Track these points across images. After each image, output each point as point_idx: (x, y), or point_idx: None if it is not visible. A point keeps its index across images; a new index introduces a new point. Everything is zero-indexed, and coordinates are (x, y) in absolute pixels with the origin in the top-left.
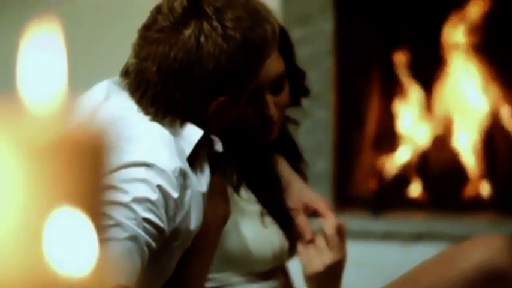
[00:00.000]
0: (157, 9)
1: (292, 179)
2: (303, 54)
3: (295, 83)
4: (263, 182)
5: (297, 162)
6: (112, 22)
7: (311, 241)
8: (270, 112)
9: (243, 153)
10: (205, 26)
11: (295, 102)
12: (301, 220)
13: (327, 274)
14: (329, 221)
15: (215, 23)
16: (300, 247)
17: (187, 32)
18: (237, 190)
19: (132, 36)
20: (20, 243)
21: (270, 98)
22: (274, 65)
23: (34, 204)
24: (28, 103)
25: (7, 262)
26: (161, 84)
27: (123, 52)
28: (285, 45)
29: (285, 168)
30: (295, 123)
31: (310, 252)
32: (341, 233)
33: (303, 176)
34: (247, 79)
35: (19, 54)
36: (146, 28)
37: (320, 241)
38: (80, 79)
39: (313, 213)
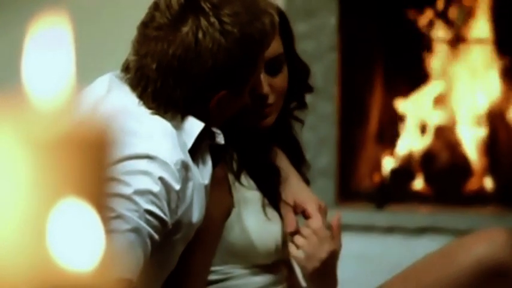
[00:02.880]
0: (155, 6)
1: (290, 173)
2: (306, 48)
3: (299, 80)
4: (263, 171)
5: (299, 163)
6: (111, 18)
7: (295, 233)
8: (263, 90)
9: (243, 140)
10: (203, 22)
11: (300, 102)
12: (287, 214)
13: (324, 267)
14: (314, 220)
15: (212, 19)
16: (292, 249)
17: (185, 28)
18: (237, 177)
19: (132, 32)
20: (25, 235)
21: (264, 77)
22: (271, 44)
23: (39, 197)
24: (34, 97)
25: (13, 254)
26: (161, 81)
27: (124, 48)
28: (284, 29)
29: (284, 162)
30: (301, 122)
31: (306, 250)
32: (333, 227)
33: (305, 178)
34: (247, 72)
35: (25, 48)
36: (144, 25)
37: (313, 239)
38: (82, 73)
39: (302, 213)
